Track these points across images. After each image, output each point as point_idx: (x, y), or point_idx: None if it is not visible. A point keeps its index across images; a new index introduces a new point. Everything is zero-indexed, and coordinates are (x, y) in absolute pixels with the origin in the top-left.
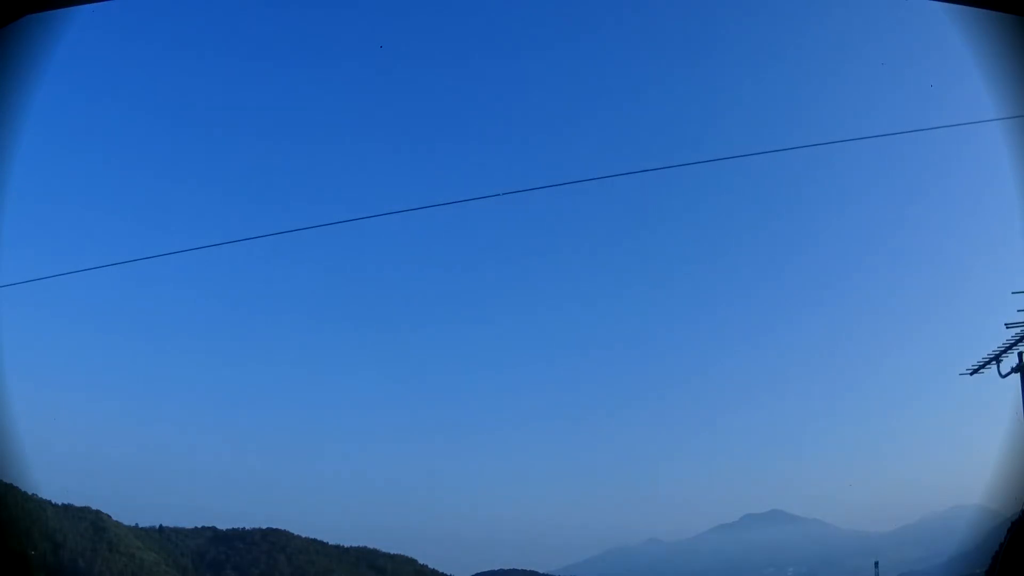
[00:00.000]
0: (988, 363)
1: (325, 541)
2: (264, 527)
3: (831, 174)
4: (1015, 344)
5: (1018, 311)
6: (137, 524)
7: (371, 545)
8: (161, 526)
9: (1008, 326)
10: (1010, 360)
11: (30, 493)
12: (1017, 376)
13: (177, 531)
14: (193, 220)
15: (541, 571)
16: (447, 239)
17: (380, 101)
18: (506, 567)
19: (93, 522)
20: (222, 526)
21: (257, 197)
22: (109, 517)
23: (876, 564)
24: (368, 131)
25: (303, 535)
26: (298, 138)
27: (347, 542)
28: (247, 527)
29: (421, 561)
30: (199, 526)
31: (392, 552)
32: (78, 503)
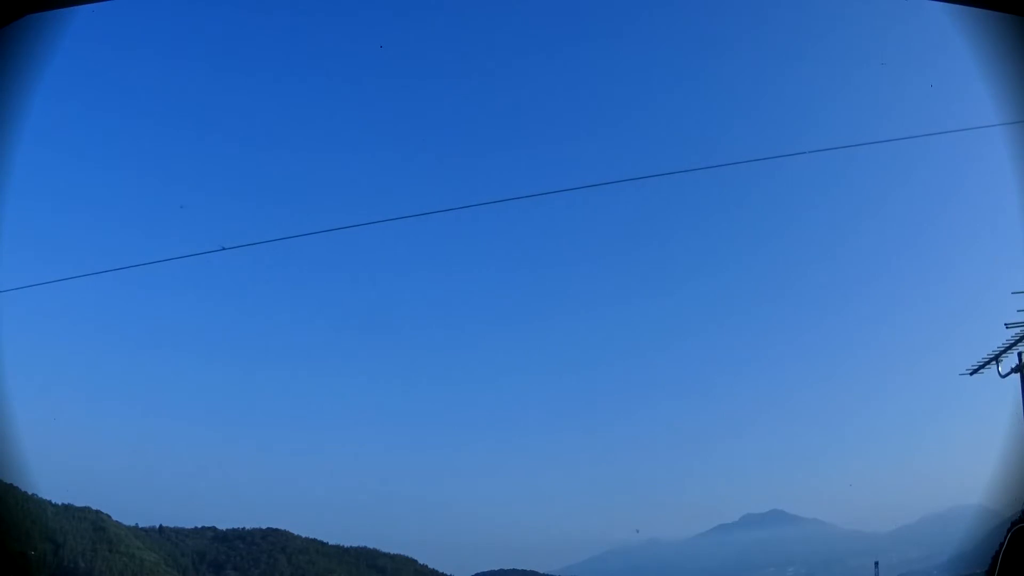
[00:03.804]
0: (988, 363)
1: (325, 541)
2: (264, 527)
3: (830, 177)
4: (1015, 344)
5: (1018, 311)
6: (137, 524)
7: (371, 545)
8: (161, 526)
9: (1008, 326)
10: (1010, 360)
11: (30, 493)
12: (1017, 376)
13: (177, 531)
14: (194, 223)
15: (541, 571)
16: (453, 243)
17: (383, 103)
18: (506, 567)
19: (93, 522)
20: (222, 526)
21: (268, 201)
22: (109, 517)
23: (876, 564)
24: (371, 134)
25: (303, 535)
26: (303, 140)
27: (347, 542)
28: (247, 527)
29: (421, 561)
30: (199, 526)
31: (392, 552)
32: (78, 503)
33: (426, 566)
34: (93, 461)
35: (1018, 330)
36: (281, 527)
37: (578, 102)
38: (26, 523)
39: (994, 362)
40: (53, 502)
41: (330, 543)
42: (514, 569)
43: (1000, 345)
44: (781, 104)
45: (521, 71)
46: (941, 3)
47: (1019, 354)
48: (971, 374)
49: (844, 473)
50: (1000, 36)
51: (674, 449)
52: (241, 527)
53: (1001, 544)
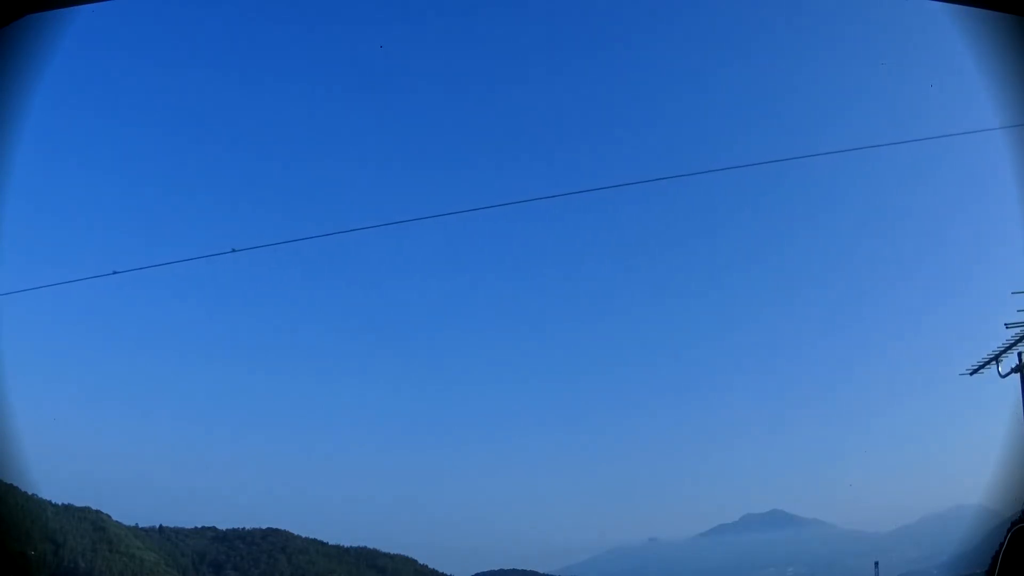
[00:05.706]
0: (988, 363)
1: (325, 541)
2: (264, 527)
3: (836, 180)
4: (1015, 344)
5: (1018, 311)
6: (137, 524)
7: (371, 545)
8: (161, 526)
9: (1008, 326)
10: (1010, 360)
11: (30, 493)
12: (1017, 376)
13: (177, 531)
14: (193, 227)
15: (541, 571)
16: (457, 247)
17: (388, 106)
18: (506, 567)
19: (93, 522)
20: (222, 526)
21: (268, 204)
22: (109, 517)
23: (876, 564)
24: (376, 138)
25: (303, 535)
26: (305, 143)
27: (347, 542)
28: (247, 527)
29: (421, 561)
30: (199, 526)
31: (392, 552)
32: (78, 503)
33: (426, 566)
34: (93, 461)
35: (1018, 330)
36: (281, 527)
37: (583, 106)
38: (26, 523)
39: (994, 362)
40: (53, 502)
41: (330, 543)
42: (514, 569)
43: (1000, 345)
44: (785, 109)
45: (531, 75)
46: (942, 3)
47: (1019, 354)
48: (971, 374)
49: (844, 473)
50: (1000, 36)
51: (675, 450)
52: (241, 527)
53: (1001, 544)
